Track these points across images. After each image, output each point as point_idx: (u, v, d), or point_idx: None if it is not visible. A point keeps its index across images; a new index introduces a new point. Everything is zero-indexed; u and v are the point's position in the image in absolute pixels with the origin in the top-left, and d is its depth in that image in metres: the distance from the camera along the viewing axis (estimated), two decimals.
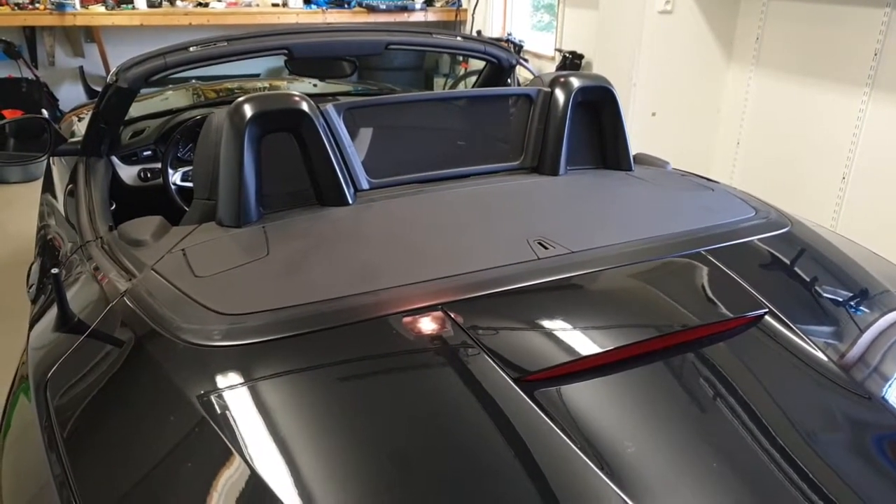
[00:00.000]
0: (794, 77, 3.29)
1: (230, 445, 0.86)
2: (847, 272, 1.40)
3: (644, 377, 1.00)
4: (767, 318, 1.14)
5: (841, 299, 1.28)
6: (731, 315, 1.13)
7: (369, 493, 0.81)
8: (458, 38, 2.13)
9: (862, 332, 1.19)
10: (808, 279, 1.32)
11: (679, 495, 0.83)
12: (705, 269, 1.25)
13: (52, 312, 1.21)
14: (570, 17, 4.83)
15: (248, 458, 0.84)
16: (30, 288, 1.67)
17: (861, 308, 1.27)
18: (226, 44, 1.80)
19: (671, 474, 0.86)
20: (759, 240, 1.37)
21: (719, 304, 1.16)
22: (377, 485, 0.82)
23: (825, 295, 1.27)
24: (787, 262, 1.35)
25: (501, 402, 0.92)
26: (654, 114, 3.67)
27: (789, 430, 0.94)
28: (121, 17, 5.29)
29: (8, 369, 1.31)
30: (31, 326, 1.31)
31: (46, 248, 1.85)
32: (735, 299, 1.17)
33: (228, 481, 0.83)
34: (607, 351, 1.01)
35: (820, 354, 1.08)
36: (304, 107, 1.40)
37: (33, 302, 1.57)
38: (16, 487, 0.96)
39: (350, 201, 1.43)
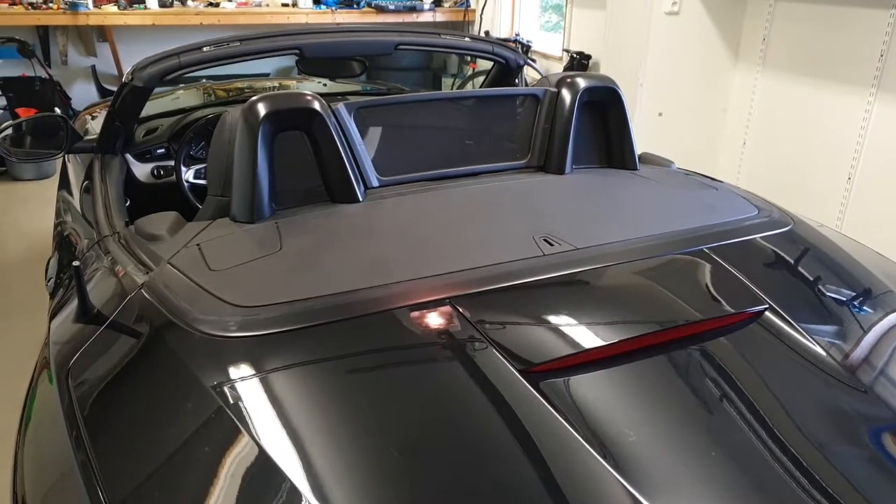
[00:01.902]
0: (800, 78, 3.31)
1: (245, 432, 0.89)
2: (848, 271, 1.42)
3: (646, 370, 1.03)
4: (768, 314, 1.16)
5: (842, 297, 1.30)
6: (732, 311, 1.15)
7: (378, 480, 0.84)
8: (467, 39, 2.15)
9: (863, 330, 1.21)
10: (808, 277, 1.34)
11: (680, 485, 0.86)
12: (707, 266, 1.27)
13: (73, 304, 1.25)
14: (577, 18, 4.85)
15: (261, 444, 0.87)
16: (48, 282, 1.71)
17: (862, 307, 1.29)
18: (239, 44, 1.83)
19: (672, 464, 0.88)
20: (760, 238, 1.39)
21: (721, 299, 1.18)
22: (386, 473, 0.85)
23: (826, 292, 1.30)
24: (789, 259, 1.38)
25: (507, 392, 0.95)
26: (660, 114, 3.68)
27: (787, 423, 0.96)
28: (133, 17, 5.34)
29: (26, 360, 1.34)
30: (52, 318, 1.35)
31: (64, 244, 1.89)
32: (736, 295, 1.19)
33: (243, 467, 0.86)
34: (610, 344, 1.03)
35: (819, 350, 1.10)
36: (317, 106, 1.43)
37: (52, 295, 1.61)
38: (39, 473, 0.99)
39: (360, 198, 1.46)
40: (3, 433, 1.25)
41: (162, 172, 2.24)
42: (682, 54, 3.59)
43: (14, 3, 5.19)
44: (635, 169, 1.75)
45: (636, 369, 1.02)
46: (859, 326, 1.22)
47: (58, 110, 4.85)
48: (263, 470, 0.85)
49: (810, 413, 0.99)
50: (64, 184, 2.36)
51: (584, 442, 0.88)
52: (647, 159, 1.89)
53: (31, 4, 5.15)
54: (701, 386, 1.01)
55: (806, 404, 1.01)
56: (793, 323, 1.15)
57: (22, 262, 3.65)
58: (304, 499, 0.80)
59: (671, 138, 3.68)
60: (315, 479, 0.83)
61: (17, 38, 4.84)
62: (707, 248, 1.31)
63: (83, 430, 0.97)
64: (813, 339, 1.12)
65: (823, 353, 1.10)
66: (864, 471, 0.92)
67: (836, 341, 1.15)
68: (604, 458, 0.86)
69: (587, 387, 0.99)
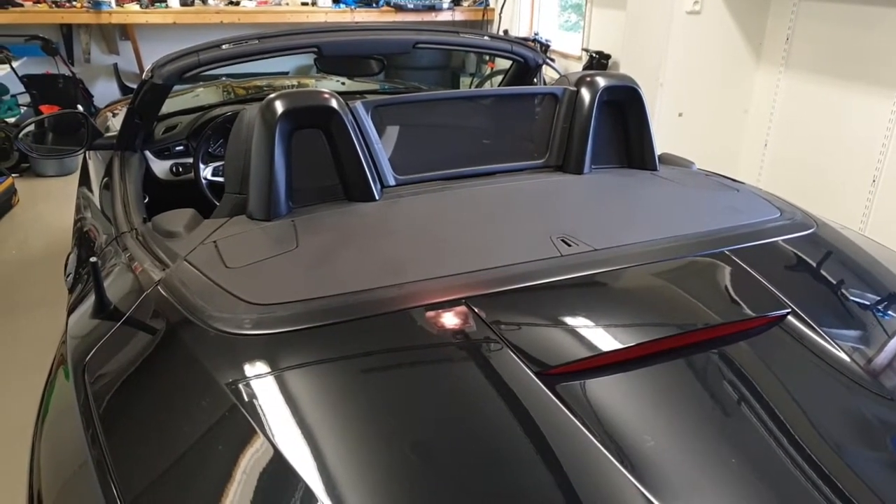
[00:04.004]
0: (824, 78, 3.25)
1: (258, 430, 0.88)
2: (873, 274, 1.39)
3: (665, 374, 1.01)
4: (790, 318, 1.14)
5: (866, 301, 1.27)
6: (754, 315, 1.13)
7: (392, 481, 0.83)
8: (486, 38, 2.14)
9: (888, 335, 1.18)
10: (832, 280, 1.32)
11: (698, 491, 0.84)
12: (728, 269, 1.25)
13: (90, 300, 1.25)
14: (597, 17, 4.82)
15: (275, 442, 0.87)
16: (67, 277, 1.72)
17: (887, 311, 1.26)
18: (257, 42, 1.83)
19: (691, 470, 0.87)
20: (783, 240, 1.37)
21: (742, 303, 1.16)
22: (400, 473, 0.84)
23: (850, 297, 1.27)
24: (812, 263, 1.35)
25: (523, 395, 0.94)
26: (680, 114, 3.64)
27: (809, 430, 0.94)
28: (154, 16, 5.41)
29: (46, 355, 1.35)
30: (70, 313, 1.36)
31: (83, 239, 1.91)
32: (758, 299, 1.17)
33: (257, 465, 0.86)
34: (629, 347, 1.02)
35: (843, 356, 1.08)
36: (334, 104, 1.43)
37: (70, 290, 1.62)
38: (54, 468, 1.00)
39: (377, 197, 1.46)
40: (23, 425, 1.26)
41: (180, 169, 2.26)
42: (703, 54, 3.54)
43: (38, 2, 5.26)
44: (655, 169, 1.73)
45: (655, 373, 1.00)
46: (884, 331, 1.19)
47: (80, 107, 4.92)
48: (277, 469, 0.84)
49: (834, 421, 0.97)
50: (84, 180, 2.39)
51: (601, 447, 0.86)
52: (668, 160, 1.87)
53: (55, 3, 5.23)
54: (721, 391, 0.99)
55: (829, 411, 0.98)
56: (816, 328, 1.12)
57: (44, 256, 3.69)
58: (317, 499, 0.79)
59: (691, 139, 3.64)
60: (329, 479, 0.82)
61: (42, 35, 4.91)
62: (728, 250, 1.29)
63: (98, 426, 0.97)
64: (837, 344, 1.10)
65: (848, 358, 1.08)
66: (892, 481, 0.89)
67: (861, 346, 1.12)
68: (621, 463, 0.85)
69: (605, 391, 0.97)
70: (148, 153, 2.20)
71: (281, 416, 0.91)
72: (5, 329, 2.97)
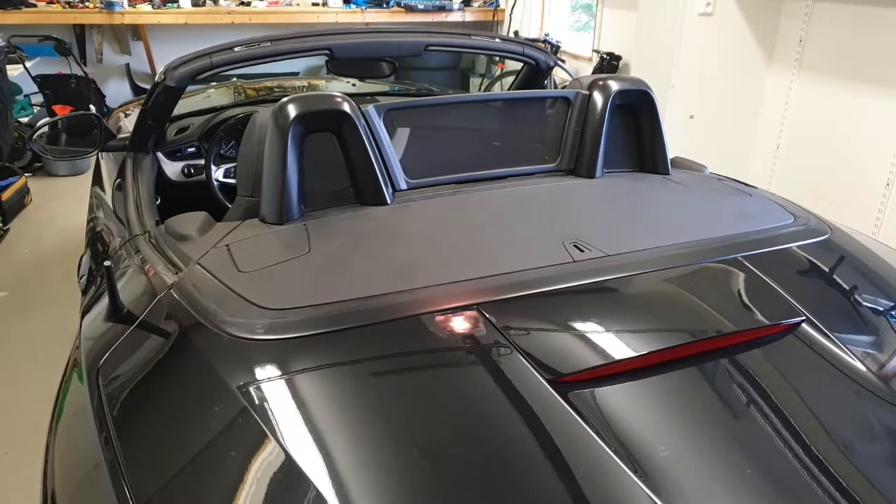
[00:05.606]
0: (837, 81, 3.23)
1: (270, 435, 0.89)
2: (889, 281, 1.37)
3: (679, 382, 1.00)
4: (805, 326, 1.13)
5: (881, 309, 1.26)
6: (768, 322, 1.12)
7: (403, 487, 0.83)
8: (497, 40, 2.14)
9: None
10: (847, 288, 1.30)
11: (712, 501, 0.84)
12: (742, 276, 1.24)
13: (104, 303, 1.26)
14: (608, 18, 4.80)
15: (287, 448, 0.87)
16: (80, 279, 1.73)
17: None
18: (269, 44, 1.84)
19: (704, 480, 0.86)
20: (797, 247, 1.36)
21: (756, 310, 1.15)
22: (411, 480, 0.84)
23: (865, 304, 1.26)
24: (827, 269, 1.34)
25: (535, 402, 0.94)
26: (692, 116, 3.63)
27: (825, 439, 0.94)
28: (166, 16, 5.45)
29: (59, 355, 1.36)
30: (83, 316, 1.37)
31: (96, 240, 1.92)
32: (772, 306, 1.16)
33: (268, 470, 0.86)
34: (642, 355, 1.01)
35: (858, 364, 1.07)
36: (346, 108, 1.43)
37: (84, 292, 1.63)
38: (68, 469, 1.01)
39: (389, 201, 1.46)
40: (36, 423, 1.27)
41: (192, 171, 2.26)
42: (715, 56, 3.53)
43: (52, 2, 5.31)
44: (667, 173, 1.72)
45: (668, 381, 0.99)
46: None
47: (93, 108, 4.95)
48: (289, 475, 0.84)
49: (851, 431, 0.96)
50: (97, 180, 2.40)
51: (614, 456, 0.86)
52: (680, 164, 1.86)
53: (68, 3, 5.27)
54: (735, 400, 0.99)
55: (845, 421, 0.98)
56: (831, 336, 1.11)
57: (57, 256, 3.72)
58: None
59: (702, 141, 3.63)
60: (341, 486, 0.82)
61: (55, 36, 4.94)
62: (742, 256, 1.28)
63: (111, 428, 0.98)
64: (852, 352, 1.09)
65: (863, 367, 1.07)
66: None
67: (877, 355, 1.11)
68: (634, 472, 0.84)
69: (617, 399, 0.97)
70: (160, 154, 2.21)
71: (293, 421, 0.91)
72: (19, 328, 2.99)
